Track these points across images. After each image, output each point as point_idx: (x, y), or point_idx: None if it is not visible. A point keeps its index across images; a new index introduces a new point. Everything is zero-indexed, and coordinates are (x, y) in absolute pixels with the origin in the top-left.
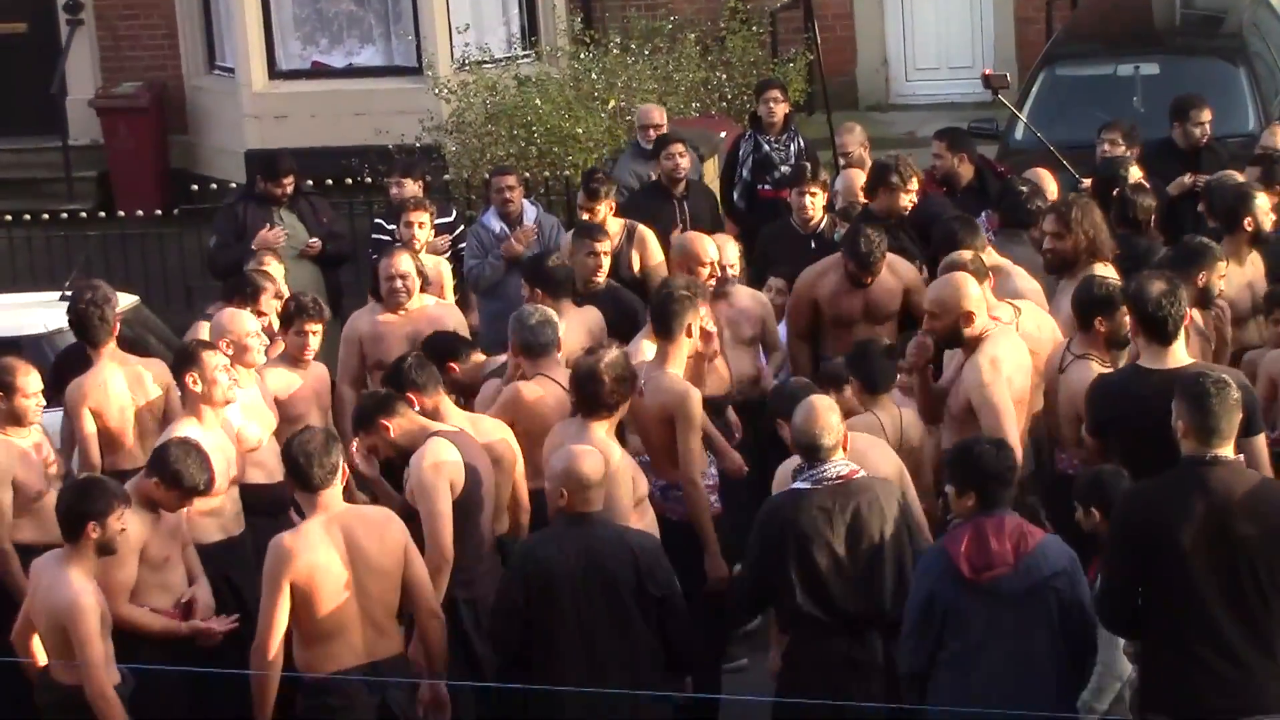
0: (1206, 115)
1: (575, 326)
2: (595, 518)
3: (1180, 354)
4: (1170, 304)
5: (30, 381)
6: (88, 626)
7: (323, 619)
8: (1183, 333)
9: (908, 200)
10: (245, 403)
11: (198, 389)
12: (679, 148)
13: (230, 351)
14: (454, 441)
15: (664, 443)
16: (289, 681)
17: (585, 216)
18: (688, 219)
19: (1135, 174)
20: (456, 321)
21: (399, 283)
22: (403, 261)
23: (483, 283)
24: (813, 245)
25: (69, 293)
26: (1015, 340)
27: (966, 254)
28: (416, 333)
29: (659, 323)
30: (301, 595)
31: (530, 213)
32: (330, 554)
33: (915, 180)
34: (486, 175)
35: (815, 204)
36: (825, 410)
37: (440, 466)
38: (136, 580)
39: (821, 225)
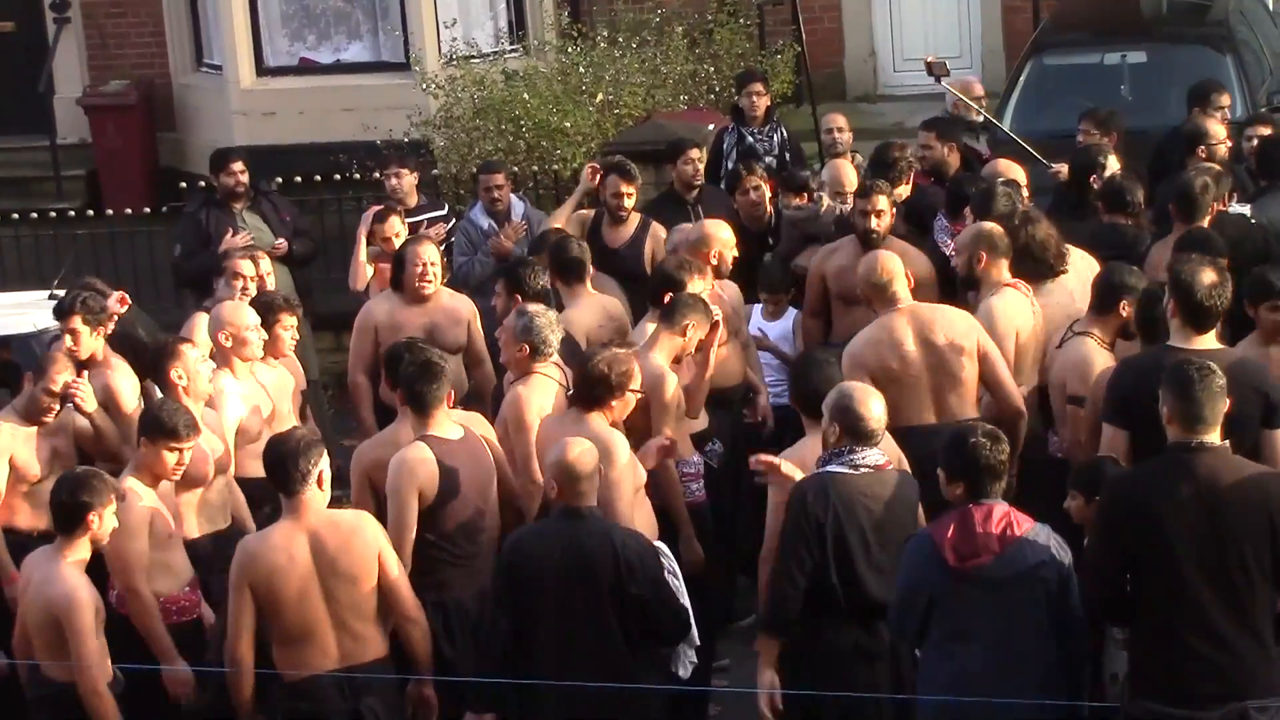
0: (1226, 100)
1: (592, 310)
2: (586, 512)
3: (1211, 340)
4: (1219, 294)
5: (64, 381)
6: (83, 621)
7: (289, 623)
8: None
9: (901, 189)
10: (244, 394)
11: (183, 383)
12: (696, 153)
13: (229, 344)
14: (441, 447)
15: (644, 427)
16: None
17: (616, 202)
18: None
19: (1113, 163)
20: (470, 312)
21: (427, 269)
22: (428, 250)
23: (472, 280)
24: (770, 241)
25: (58, 292)
26: (1022, 302)
27: (992, 226)
28: (433, 324)
29: (667, 309)
30: (264, 598)
31: (518, 208)
32: (292, 559)
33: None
34: (474, 170)
35: (764, 195)
36: (874, 397)
37: (413, 471)
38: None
39: (772, 221)
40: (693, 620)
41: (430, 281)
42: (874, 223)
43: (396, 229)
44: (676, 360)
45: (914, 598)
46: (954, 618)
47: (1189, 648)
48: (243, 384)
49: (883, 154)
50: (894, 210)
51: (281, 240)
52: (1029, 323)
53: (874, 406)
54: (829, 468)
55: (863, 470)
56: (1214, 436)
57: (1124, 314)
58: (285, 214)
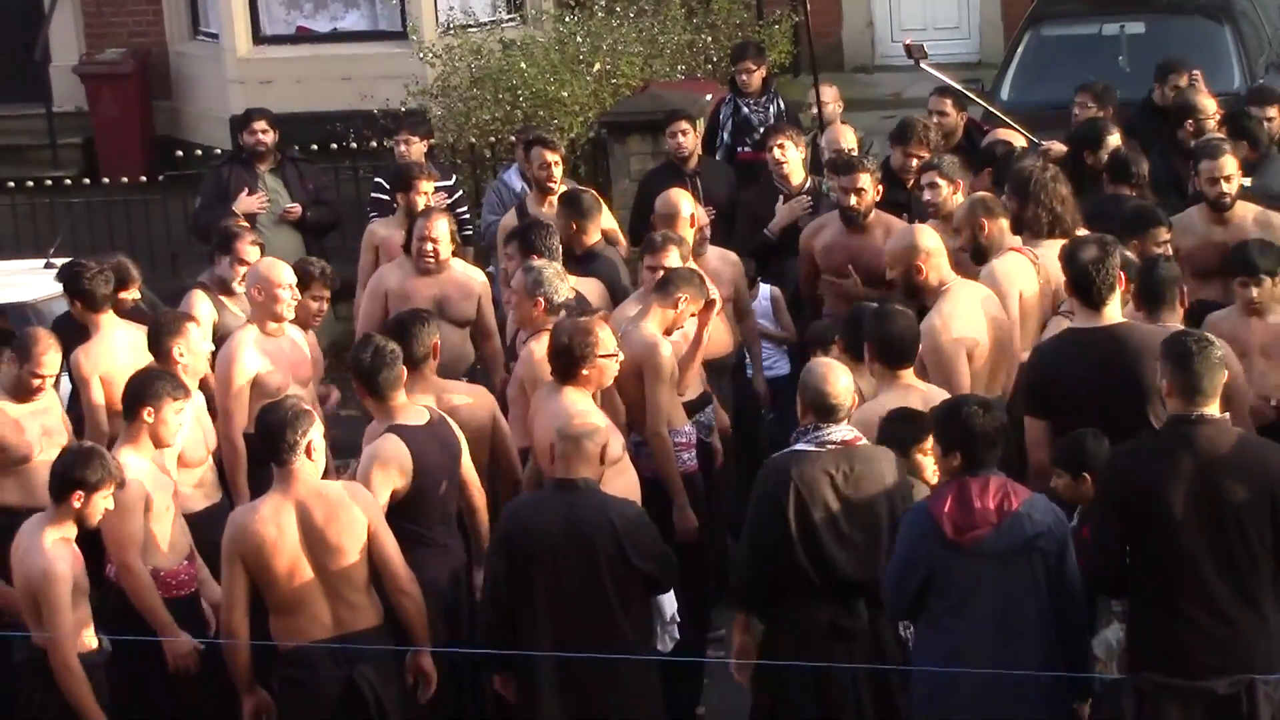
0: (1183, 81)
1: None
2: (581, 484)
3: (1112, 314)
4: (1099, 269)
5: (50, 360)
6: (56, 594)
7: (281, 593)
8: (1117, 293)
9: (916, 163)
10: (268, 351)
11: (184, 360)
12: (683, 125)
13: (261, 298)
14: (411, 436)
15: (636, 396)
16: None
17: (545, 174)
18: (700, 197)
19: (1115, 139)
20: (481, 287)
21: (429, 245)
22: (438, 225)
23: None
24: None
25: (54, 260)
26: (978, 295)
27: (982, 194)
28: (443, 295)
29: (661, 281)
30: (255, 570)
31: None
32: (281, 531)
33: (924, 150)
34: (471, 140)
35: (788, 155)
36: (841, 372)
37: (387, 464)
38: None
39: (808, 183)
40: (672, 594)
41: (433, 257)
42: (853, 200)
43: (424, 189)
44: (668, 332)
45: (910, 571)
46: (952, 591)
47: (1189, 620)
48: (270, 341)
49: (909, 124)
50: (877, 188)
51: (295, 206)
52: (1032, 286)
53: (838, 382)
54: (795, 446)
55: (829, 447)
56: (1213, 409)
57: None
58: (309, 181)
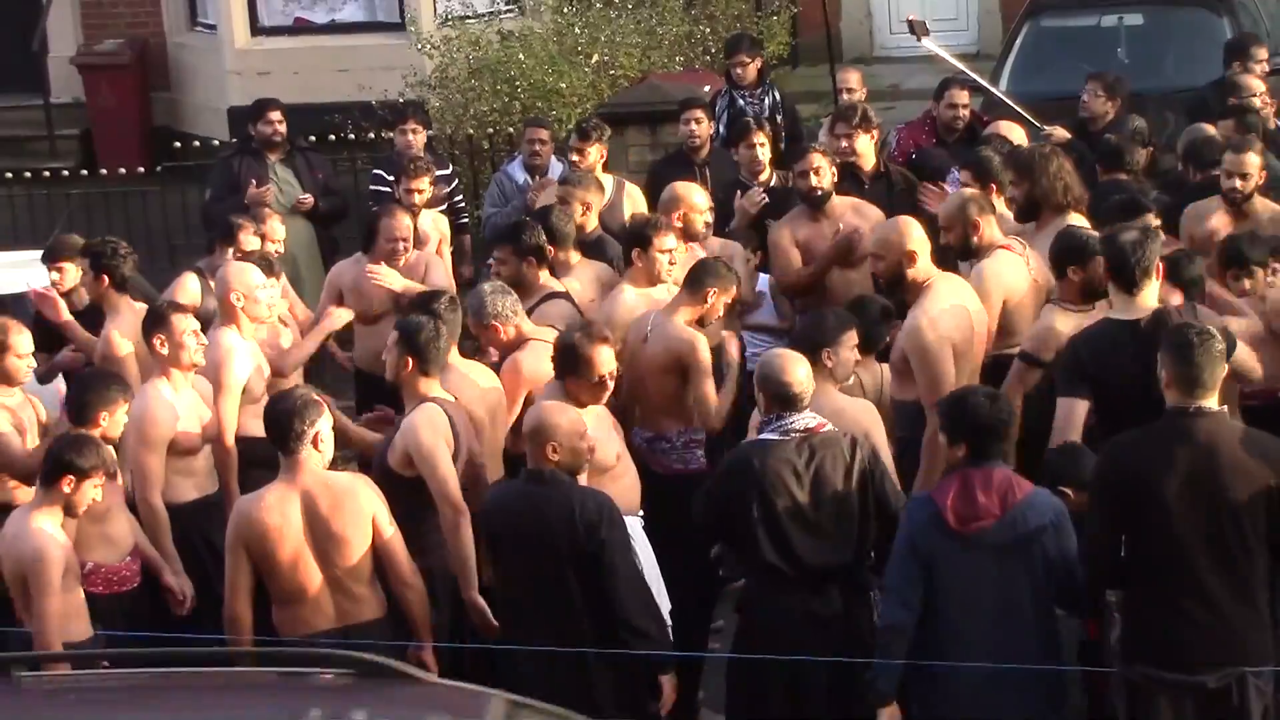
0: (1263, 54)
1: (585, 279)
2: (548, 475)
3: (1147, 300)
4: (1137, 252)
5: (23, 341)
6: (47, 576)
7: (285, 583)
8: (1155, 281)
9: (845, 144)
10: (250, 353)
11: (165, 351)
12: (697, 113)
13: (240, 304)
14: (445, 409)
15: (661, 392)
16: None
17: (575, 159)
18: (709, 186)
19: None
20: (435, 272)
21: (400, 245)
22: (404, 225)
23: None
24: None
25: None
26: (959, 290)
27: (972, 191)
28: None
29: (690, 275)
30: (259, 559)
31: (556, 169)
32: (286, 520)
33: (858, 133)
34: (469, 131)
35: (763, 155)
36: (797, 362)
37: (436, 427)
38: (80, 534)
39: (773, 179)
40: (663, 590)
41: (402, 255)
42: (814, 180)
43: (422, 187)
44: (700, 323)
45: (912, 560)
46: (953, 582)
47: (1183, 612)
48: (249, 343)
49: (846, 109)
50: (834, 169)
51: (307, 196)
52: (1023, 283)
53: (797, 371)
54: (761, 436)
55: (794, 435)
56: (1212, 401)
57: (1074, 279)
58: (318, 171)
